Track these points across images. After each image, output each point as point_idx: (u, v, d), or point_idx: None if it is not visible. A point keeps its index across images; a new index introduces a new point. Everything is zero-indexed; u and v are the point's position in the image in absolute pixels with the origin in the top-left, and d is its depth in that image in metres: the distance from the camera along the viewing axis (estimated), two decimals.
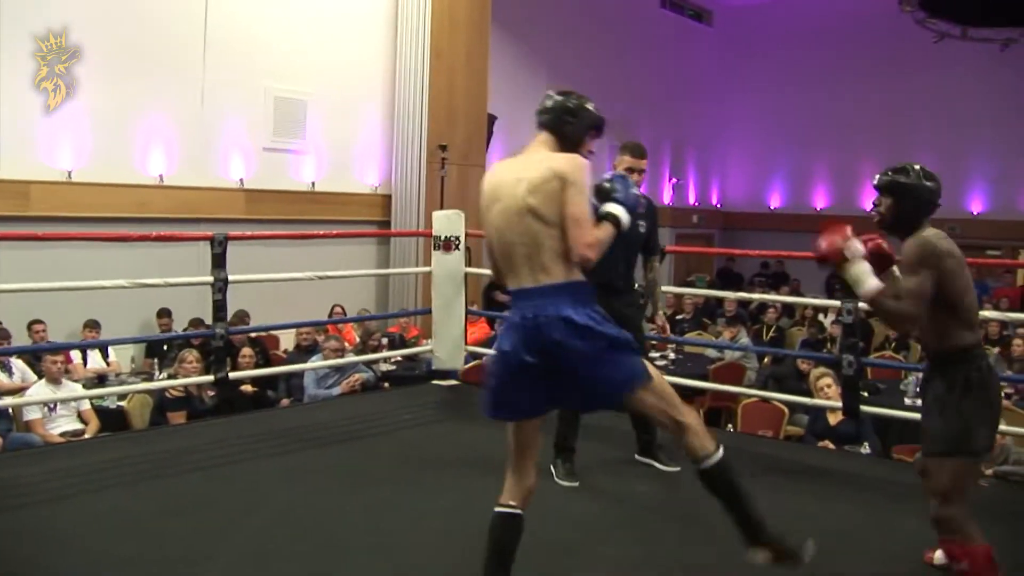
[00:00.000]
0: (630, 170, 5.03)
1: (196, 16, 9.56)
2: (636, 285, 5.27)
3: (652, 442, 5.30)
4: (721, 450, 3.15)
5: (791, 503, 4.77)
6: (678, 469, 5.13)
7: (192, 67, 9.56)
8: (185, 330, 8.71)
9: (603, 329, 3.11)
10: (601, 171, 3.97)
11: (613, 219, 3.30)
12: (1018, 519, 4.73)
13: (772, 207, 18.71)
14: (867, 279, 3.34)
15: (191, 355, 7.02)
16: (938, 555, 3.83)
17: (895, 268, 3.58)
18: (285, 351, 9.25)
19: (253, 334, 8.52)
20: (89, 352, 8.34)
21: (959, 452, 3.31)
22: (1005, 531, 4.20)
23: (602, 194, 3.41)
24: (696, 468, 3.16)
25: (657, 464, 5.27)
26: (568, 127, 3.38)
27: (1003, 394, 7.89)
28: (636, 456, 5.34)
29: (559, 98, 3.41)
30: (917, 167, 3.54)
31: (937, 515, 3.35)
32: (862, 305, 5.91)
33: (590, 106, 3.46)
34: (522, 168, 3.25)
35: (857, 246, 3.39)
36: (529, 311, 3.12)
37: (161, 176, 9.34)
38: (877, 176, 3.62)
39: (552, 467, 4.92)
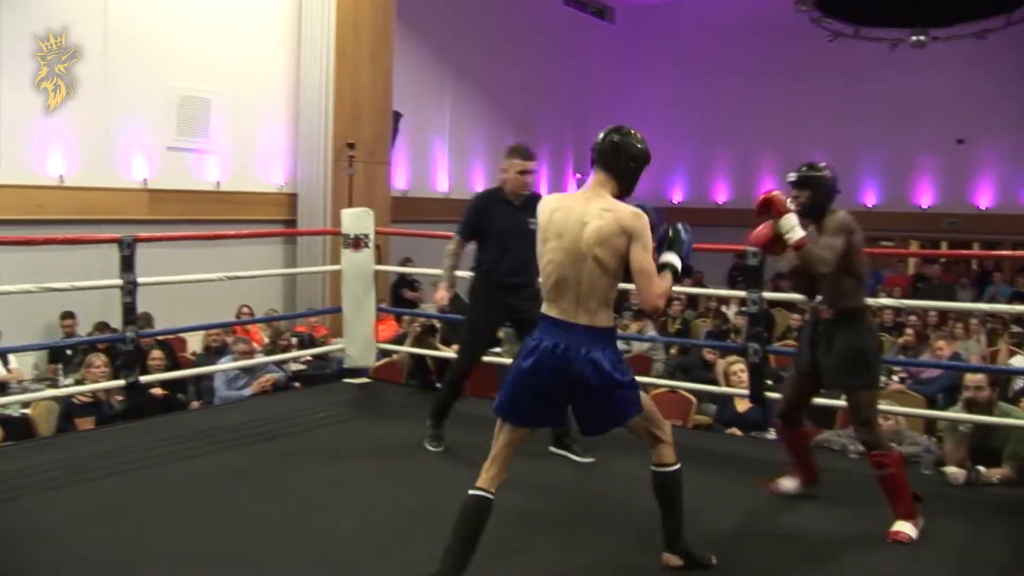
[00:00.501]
0: (522, 172, 5.27)
1: (96, 13, 9.36)
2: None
3: (566, 434, 5.38)
4: (678, 465, 3.67)
5: (702, 488, 4.92)
6: (592, 460, 5.29)
7: (93, 65, 9.35)
8: (90, 334, 8.54)
9: (620, 376, 3.47)
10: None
11: (673, 269, 3.58)
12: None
13: (675, 201, 19.01)
14: (798, 229, 4.14)
15: (99, 359, 6.88)
16: (784, 483, 4.80)
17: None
18: (193, 353, 9.12)
19: (161, 337, 8.39)
20: None
21: (873, 385, 4.38)
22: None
23: (668, 241, 3.67)
24: (653, 470, 3.68)
25: (572, 456, 5.37)
26: (629, 174, 3.63)
27: (898, 378, 8.25)
28: (550, 448, 5.43)
29: (619, 139, 3.64)
30: (822, 164, 4.40)
31: (866, 438, 4.34)
32: (765, 295, 6.15)
33: (643, 145, 3.68)
34: (586, 211, 3.48)
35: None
36: (562, 342, 3.43)
37: (61, 177, 9.14)
38: (793, 173, 4.39)
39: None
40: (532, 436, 3.63)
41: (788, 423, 4.78)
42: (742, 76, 17.69)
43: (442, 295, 5.64)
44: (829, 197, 4.35)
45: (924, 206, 17.02)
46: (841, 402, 6.40)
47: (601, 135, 3.67)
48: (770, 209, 4.19)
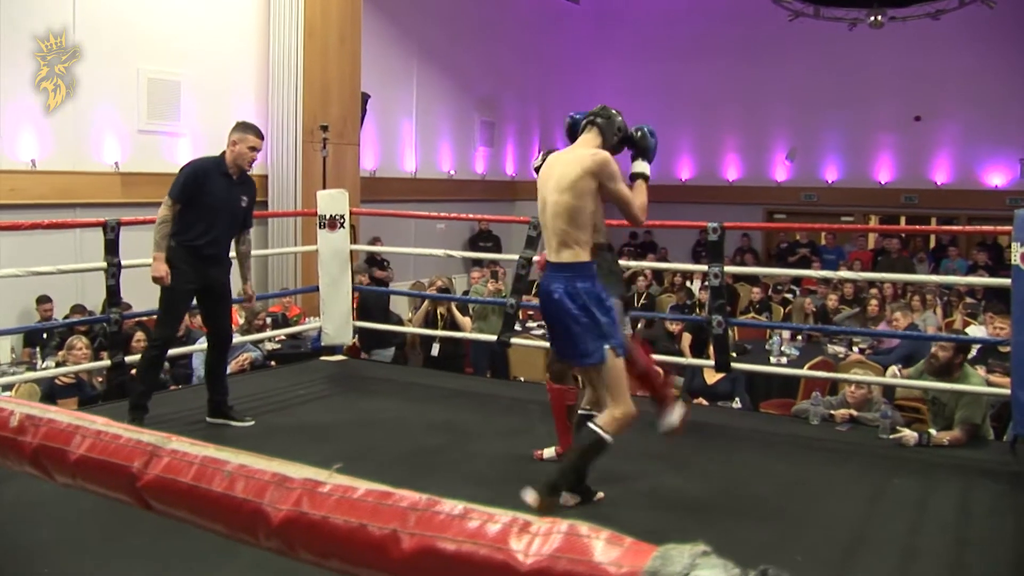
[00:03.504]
0: (253, 148, 5.37)
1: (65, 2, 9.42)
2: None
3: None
4: (611, 439, 3.92)
5: (671, 453, 5.17)
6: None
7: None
8: (67, 317, 8.63)
9: (576, 310, 3.86)
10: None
11: (645, 177, 4.17)
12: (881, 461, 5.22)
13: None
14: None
15: (80, 342, 7.01)
16: (547, 452, 5.01)
17: None
18: None
19: (144, 319, 8.51)
20: None
21: None
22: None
23: (638, 147, 4.27)
24: (590, 423, 3.98)
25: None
26: (616, 139, 4.16)
27: (857, 348, 8.54)
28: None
29: (613, 112, 4.19)
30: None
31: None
32: (728, 269, 6.39)
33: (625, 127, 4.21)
34: (557, 163, 4.02)
35: None
36: (546, 280, 3.98)
37: (33, 161, 9.20)
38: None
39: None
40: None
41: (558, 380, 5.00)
42: (705, 55, 17.91)
43: (164, 269, 5.22)
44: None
45: (883, 182, 17.35)
46: (805, 372, 6.77)
47: (599, 107, 4.17)
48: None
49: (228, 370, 7.51)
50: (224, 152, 5.38)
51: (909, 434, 5.44)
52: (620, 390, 3.93)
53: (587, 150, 3.96)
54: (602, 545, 0.71)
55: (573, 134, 4.22)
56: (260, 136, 5.41)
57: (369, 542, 0.78)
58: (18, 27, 8.44)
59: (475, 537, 0.74)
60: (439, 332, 8.14)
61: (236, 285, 5.70)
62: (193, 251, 5.28)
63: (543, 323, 4.27)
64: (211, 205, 5.25)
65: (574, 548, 0.70)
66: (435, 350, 8.44)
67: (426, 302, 8.83)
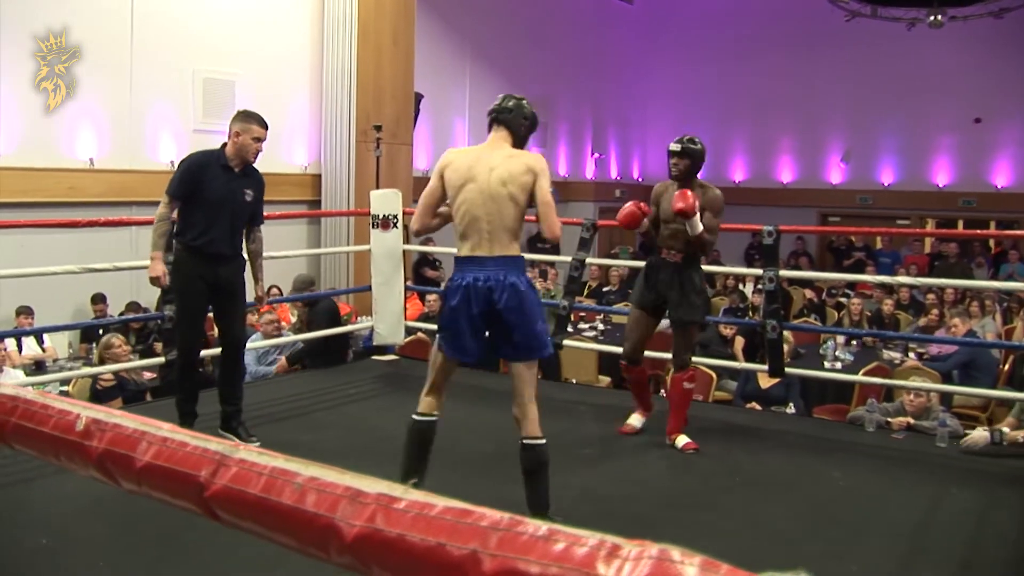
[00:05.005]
0: (257, 139, 5.13)
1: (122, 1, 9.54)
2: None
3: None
4: (545, 440, 3.94)
5: (722, 460, 5.11)
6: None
7: (119, 50, 9.53)
8: (122, 314, 8.73)
9: (534, 300, 3.92)
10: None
11: None
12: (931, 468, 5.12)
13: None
14: (699, 222, 5.02)
15: (117, 339, 7.00)
16: (634, 420, 5.57)
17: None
18: None
19: None
20: (23, 338, 8.33)
21: (702, 320, 5.44)
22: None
23: None
24: (528, 440, 3.91)
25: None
26: (523, 131, 4.15)
27: (913, 354, 8.40)
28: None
29: (515, 102, 4.17)
30: (697, 138, 5.34)
31: (683, 360, 5.29)
32: (783, 273, 6.32)
33: (532, 110, 4.25)
34: (492, 159, 3.95)
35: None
36: (482, 274, 3.83)
37: (91, 160, 9.32)
38: (676, 144, 5.27)
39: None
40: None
41: (632, 362, 5.53)
42: (759, 55, 17.75)
43: (162, 269, 5.06)
44: (700, 166, 5.33)
45: (941, 185, 17.07)
46: (860, 378, 6.66)
47: (498, 100, 4.20)
48: (685, 212, 4.95)
49: (274, 369, 7.59)
50: (225, 144, 5.15)
51: (979, 434, 5.33)
52: (535, 386, 3.98)
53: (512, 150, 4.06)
54: (695, 572, 0.67)
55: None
56: (264, 126, 5.16)
57: (448, 562, 0.75)
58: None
59: (561, 560, 0.70)
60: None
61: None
62: (197, 250, 5.05)
63: (499, 322, 3.87)
64: (211, 201, 5.00)
65: (666, 574, 0.67)
66: None
67: None
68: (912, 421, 5.77)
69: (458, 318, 3.86)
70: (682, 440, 5.20)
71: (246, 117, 5.14)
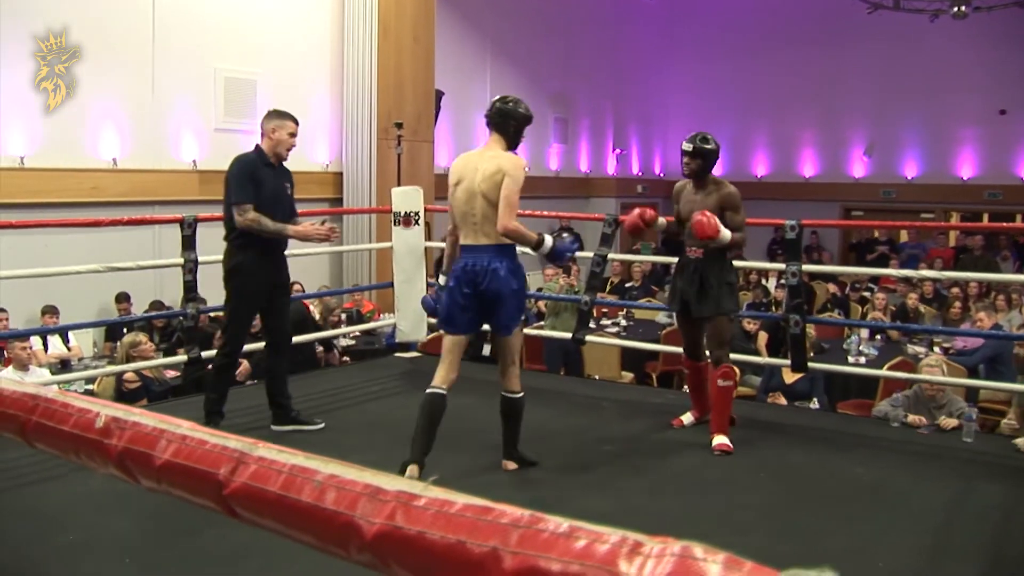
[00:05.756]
0: (292, 135, 5.37)
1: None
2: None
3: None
4: (523, 394, 4.69)
5: (747, 455, 5.08)
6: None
7: (141, 49, 9.58)
8: (146, 311, 8.77)
9: (514, 283, 4.53)
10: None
11: (539, 243, 4.58)
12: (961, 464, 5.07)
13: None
14: (726, 232, 5.07)
15: (143, 337, 7.04)
16: (686, 419, 5.61)
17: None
18: None
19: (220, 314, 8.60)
20: (49, 337, 8.39)
21: (732, 311, 5.35)
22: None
23: (557, 235, 4.94)
24: (504, 395, 4.69)
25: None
26: (514, 132, 4.62)
27: (938, 349, 8.33)
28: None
29: (503, 105, 4.61)
30: (711, 137, 5.32)
31: (719, 354, 5.20)
32: (805, 267, 6.28)
33: (523, 109, 4.65)
34: (479, 161, 4.54)
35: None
36: (471, 260, 4.51)
37: (114, 159, 9.37)
38: (689, 144, 5.24)
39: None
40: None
41: (694, 358, 5.61)
42: (780, 49, 17.64)
43: (310, 224, 5.48)
44: (713, 164, 5.36)
45: (965, 178, 16.92)
46: (883, 373, 6.63)
47: (490, 104, 4.66)
48: (706, 231, 5.01)
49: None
50: (259, 144, 5.36)
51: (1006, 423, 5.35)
52: (519, 350, 4.82)
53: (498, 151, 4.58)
54: (719, 569, 0.66)
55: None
56: (296, 122, 5.38)
57: (468, 560, 0.74)
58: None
59: (582, 558, 0.69)
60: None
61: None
62: (265, 249, 5.28)
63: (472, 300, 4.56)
64: (267, 198, 5.23)
65: (689, 572, 0.66)
66: (486, 349, 8.32)
67: None
68: (923, 421, 5.70)
69: (452, 296, 4.58)
70: (717, 439, 5.12)
71: (280, 115, 5.36)
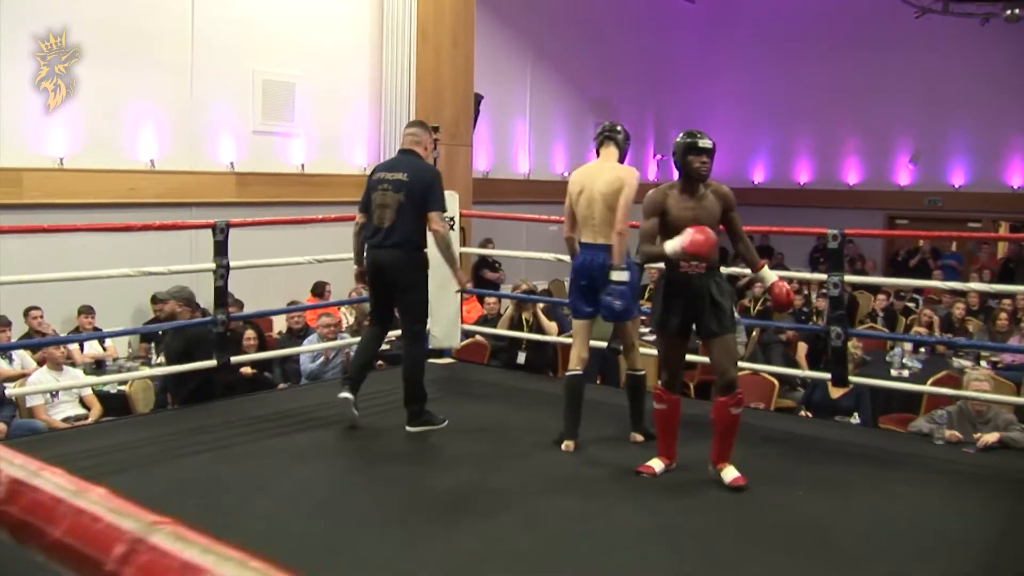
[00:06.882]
0: (437, 141, 6.03)
1: (183, 0, 9.58)
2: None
3: (643, 413, 5.41)
4: (644, 371, 5.52)
5: (786, 470, 4.94)
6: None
7: (180, 51, 9.58)
8: None
9: (623, 275, 5.04)
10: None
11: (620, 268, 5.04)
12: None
13: (755, 182, 18.80)
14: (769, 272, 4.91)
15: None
16: (656, 464, 4.83)
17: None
18: (279, 333, 9.31)
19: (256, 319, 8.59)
20: None
21: (735, 329, 4.87)
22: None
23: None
24: (629, 373, 5.52)
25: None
26: (625, 148, 5.46)
27: (985, 363, 8.11)
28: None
29: (614, 124, 5.51)
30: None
31: (732, 376, 4.66)
32: (848, 279, 6.11)
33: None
34: (599, 171, 5.26)
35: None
36: (588, 255, 5.19)
37: (152, 161, 9.38)
38: (709, 141, 4.78)
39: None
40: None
41: (674, 390, 4.86)
42: (824, 54, 17.40)
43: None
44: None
45: (1015, 186, 16.58)
46: (924, 388, 6.43)
47: (608, 124, 5.52)
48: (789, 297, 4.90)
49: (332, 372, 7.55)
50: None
51: None
52: (637, 331, 5.59)
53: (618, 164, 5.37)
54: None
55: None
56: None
57: None
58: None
59: None
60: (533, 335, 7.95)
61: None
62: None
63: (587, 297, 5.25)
64: None
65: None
66: (521, 358, 8.22)
67: (510, 306, 8.68)
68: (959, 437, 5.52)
69: (573, 286, 5.39)
70: (731, 474, 4.63)
71: (425, 128, 5.91)
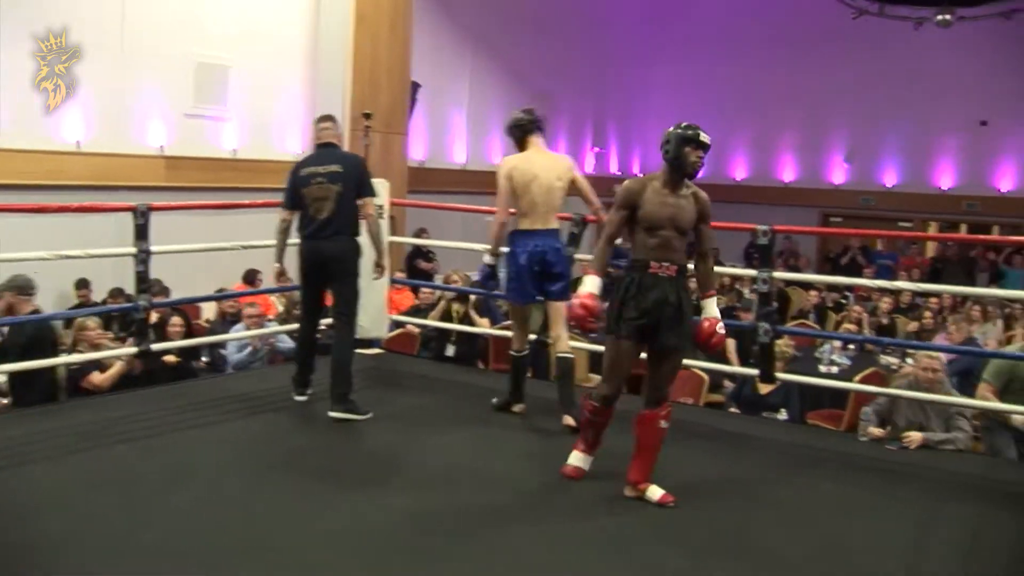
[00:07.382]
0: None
1: None
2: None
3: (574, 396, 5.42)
4: (573, 355, 5.69)
5: (712, 466, 4.93)
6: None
7: (111, 31, 9.34)
8: (104, 301, 8.54)
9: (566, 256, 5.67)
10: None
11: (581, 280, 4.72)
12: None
13: None
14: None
15: (92, 322, 6.69)
16: (582, 462, 4.60)
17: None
18: (207, 320, 9.13)
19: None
20: None
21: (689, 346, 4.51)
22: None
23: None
24: (558, 356, 5.59)
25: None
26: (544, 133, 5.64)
27: (911, 360, 8.18)
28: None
29: (542, 114, 5.57)
30: None
31: (664, 393, 4.39)
32: (779, 275, 6.12)
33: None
34: (546, 160, 5.52)
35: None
36: (542, 241, 5.44)
37: (78, 142, 9.14)
38: (707, 136, 4.46)
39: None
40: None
41: (609, 404, 4.47)
42: (764, 51, 17.54)
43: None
44: None
45: (944, 188, 16.87)
46: (853, 385, 6.45)
47: (528, 113, 5.54)
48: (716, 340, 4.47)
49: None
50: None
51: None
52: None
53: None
54: None
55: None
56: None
57: None
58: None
59: None
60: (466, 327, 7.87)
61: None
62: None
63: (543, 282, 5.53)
64: None
65: None
66: (450, 350, 8.15)
67: (442, 300, 8.59)
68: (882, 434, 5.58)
69: (521, 272, 5.47)
70: (656, 492, 4.31)
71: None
